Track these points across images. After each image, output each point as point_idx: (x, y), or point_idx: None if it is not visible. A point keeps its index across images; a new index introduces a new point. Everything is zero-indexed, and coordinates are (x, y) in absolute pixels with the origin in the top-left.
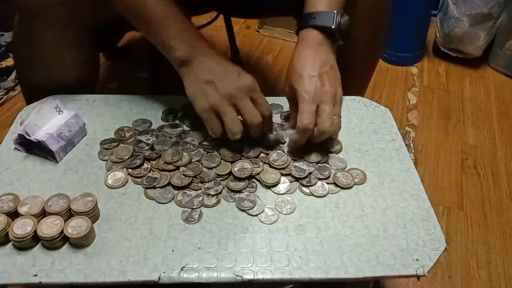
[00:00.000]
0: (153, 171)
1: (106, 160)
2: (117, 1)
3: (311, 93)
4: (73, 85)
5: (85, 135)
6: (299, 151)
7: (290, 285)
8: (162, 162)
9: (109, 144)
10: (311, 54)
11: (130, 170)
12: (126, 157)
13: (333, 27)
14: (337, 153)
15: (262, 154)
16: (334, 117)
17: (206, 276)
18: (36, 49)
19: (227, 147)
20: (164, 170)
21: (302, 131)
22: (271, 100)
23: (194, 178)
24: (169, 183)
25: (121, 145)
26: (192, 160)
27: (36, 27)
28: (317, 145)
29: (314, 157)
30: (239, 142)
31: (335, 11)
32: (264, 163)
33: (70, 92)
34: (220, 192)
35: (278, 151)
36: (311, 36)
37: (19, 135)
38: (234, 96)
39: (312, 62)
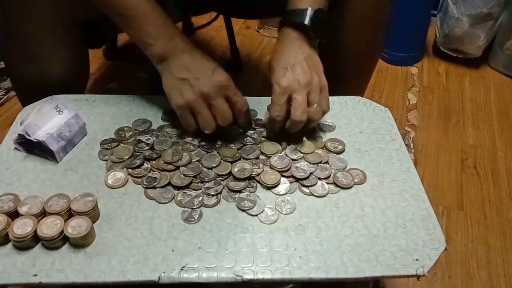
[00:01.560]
0: (153, 171)
1: (106, 160)
2: None
3: (282, 84)
4: (63, 81)
5: (85, 135)
6: (278, 137)
7: (290, 285)
8: (162, 162)
9: (109, 144)
10: (284, 48)
11: (130, 170)
12: (126, 157)
13: (305, 22)
14: (339, 153)
15: (262, 156)
16: (314, 105)
17: (206, 276)
18: (23, 43)
19: (227, 147)
20: (164, 170)
21: (271, 121)
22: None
23: (194, 178)
24: (169, 183)
25: (121, 145)
26: (192, 160)
27: (23, 21)
28: (319, 145)
29: (314, 157)
30: (219, 135)
31: (309, 8)
32: (264, 164)
33: (62, 89)
34: (220, 192)
35: (279, 154)
36: (285, 33)
37: (19, 135)
38: (207, 95)
39: (285, 56)
